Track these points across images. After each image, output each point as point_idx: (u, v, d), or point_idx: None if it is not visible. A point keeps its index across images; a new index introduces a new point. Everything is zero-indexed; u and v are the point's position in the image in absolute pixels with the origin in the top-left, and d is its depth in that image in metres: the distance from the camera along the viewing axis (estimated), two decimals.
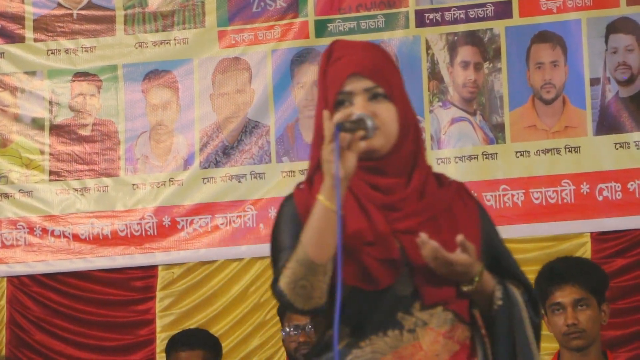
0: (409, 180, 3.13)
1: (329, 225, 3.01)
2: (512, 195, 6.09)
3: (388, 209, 3.10)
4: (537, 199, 6.10)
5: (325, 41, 6.10)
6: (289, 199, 3.19)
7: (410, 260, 3.10)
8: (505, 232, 5.71)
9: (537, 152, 6.13)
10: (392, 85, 3.11)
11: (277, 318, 5.70)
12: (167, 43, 6.51)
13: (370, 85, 3.07)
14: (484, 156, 6.16)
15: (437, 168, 3.31)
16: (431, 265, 3.06)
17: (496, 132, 6.21)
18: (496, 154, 6.16)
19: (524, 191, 6.10)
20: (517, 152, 6.15)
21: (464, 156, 6.17)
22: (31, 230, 6.46)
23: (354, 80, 3.08)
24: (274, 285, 3.08)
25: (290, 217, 3.18)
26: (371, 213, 3.10)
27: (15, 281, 6.46)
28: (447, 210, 3.12)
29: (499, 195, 6.09)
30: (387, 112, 3.08)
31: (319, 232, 3.03)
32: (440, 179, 3.19)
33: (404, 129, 3.11)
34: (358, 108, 3.06)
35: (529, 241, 6.05)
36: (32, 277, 6.44)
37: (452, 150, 6.20)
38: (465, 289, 3.11)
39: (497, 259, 3.21)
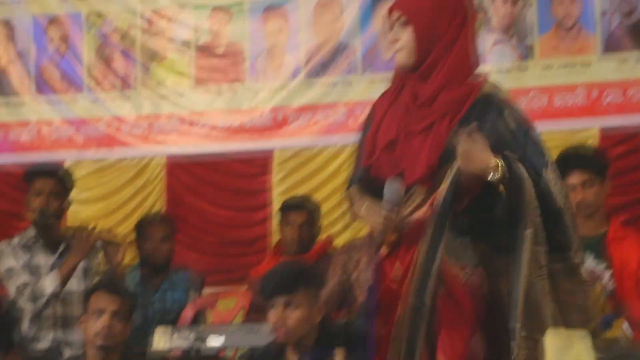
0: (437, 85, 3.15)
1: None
2: (539, 99, 6.12)
3: (413, 111, 3.17)
4: (557, 102, 6.12)
5: None
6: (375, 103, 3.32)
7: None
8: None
9: (558, 67, 6.13)
10: (414, 15, 3.16)
11: None
12: None
13: (397, 15, 3.20)
14: (518, 69, 6.18)
15: None
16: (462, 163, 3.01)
17: (528, 52, 6.18)
18: (527, 67, 6.18)
19: (548, 96, 6.12)
20: (543, 66, 6.16)
21: (503, 69, 6.14)
22: (181, 122, 6.61)
23: (393, 13, 3.22)
24: (347, 188, 3.30)
25: (365, 123, 3.34)
26: (398, 120, 3.19)
27: (172, 158, 6.61)
28: (445, 115, 3.12)
29: (529, 99, 6.10)
30: (406, 35, 3.16)
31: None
32: (471, 87, 3.14)
33: (422, 44, 3.15)
34: (391, 33, 3.19)
35: (551, 134, 5.66)
36: (184, 156, 6.59)
37: (494, 65, 6.13)
38: (490, 179, 3.02)
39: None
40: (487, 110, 3.12)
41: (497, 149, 3.05)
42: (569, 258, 3.12)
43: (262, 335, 4.64)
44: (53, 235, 5.28)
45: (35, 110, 6.83)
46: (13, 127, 6.86)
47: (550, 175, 3.11)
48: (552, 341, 2.87)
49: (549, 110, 6.13)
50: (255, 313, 5.43)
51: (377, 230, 3.10)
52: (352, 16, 6.45)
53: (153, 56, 6.73)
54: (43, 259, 5.26)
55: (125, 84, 6.72)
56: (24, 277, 5.14)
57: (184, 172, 6.63)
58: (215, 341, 4.77)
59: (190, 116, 6.63)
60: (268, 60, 6.60)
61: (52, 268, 5.19)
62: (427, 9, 3.17)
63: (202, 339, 4.77)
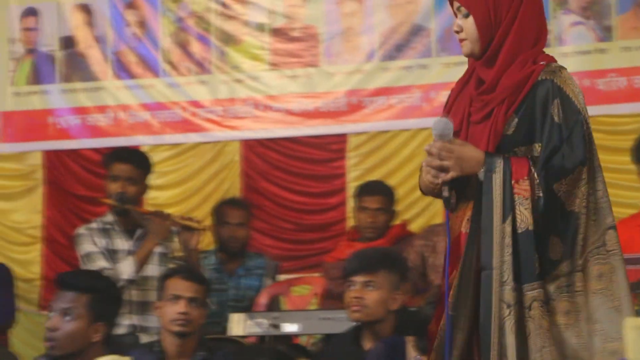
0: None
1: None
2: (618, 81, 5.99)
3: (475, 100, 3.10)
4: (636, 83, 5.98)
5: None
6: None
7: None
8: (612, 109, 6.04)
9: (637, 48, 5.98)
10: (473, 6, 3.08)
11: None
12: None
13: (458, 6, 3.12)
14: (597, 51, 6.06)
15: (560, 61, 3.26)
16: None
17: (606, 33, 6.05)
18: (606, 49, 6.05)
19: (626, 78, 5.99)
20: (622, 47, 6.02)
21: (581, 51, 6.05)
22: (257, 106, 6.59)
23: (454, 3, 3.14)
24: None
25: (444, 108, 3.25)
26: (464, 110, 3.14)
27: (246, 143, 6.61)
28: (503, 102, 3.05)
29: (608, 81, 5.99)
30: (468, 25, 3.08)
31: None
32: (529, 72, 3.04)
33: (484, 33, 3.06)
34: (454, 22, 3.14)
35: (630, 116, 5.94)
36: (258, 141, 6.59)
37: (572, 46, 6.07)
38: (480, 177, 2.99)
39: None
40: (540, 97, 3.02)
41: (533, 138, 3.02)
42: (564, 271, 2.99)
43: (336, 322, 4.63)
44: (130, 220, 5.32)
45: (113, 95, 6.89)
46: (91, 111, 6.92)
47: (583, 175, 2.99)
48: (632, 331, 2.79)
49: (628, 92, 5.99)
50: (329, 299, 5.44)
51: (428, 172, 3.02)
52: None
53: (228, 40, 6.72)
54: (120, 244, 5.30)
55: (201, 68, 6.73)
56: (101, 262, 5.18)
57: (259, 157, 6.63)
58: (289, 328, 4.77)
59: (265, 100, 6.62)
60: (343, 43, 6.54)
61: (129, 253, 5.23)
62: (484, 5, 3.09)
63: (276, 325, 4.78)
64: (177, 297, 4.39)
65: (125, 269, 5.12)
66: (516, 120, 3.04)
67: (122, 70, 6.88)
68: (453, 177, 2.98)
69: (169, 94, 6.77)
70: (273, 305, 5.56)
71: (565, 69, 3.09)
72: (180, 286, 4.42)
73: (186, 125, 6.73)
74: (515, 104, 3.04)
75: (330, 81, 6.52)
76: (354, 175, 6.44)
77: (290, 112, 6.57)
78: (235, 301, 5.60)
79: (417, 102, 6.36)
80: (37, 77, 7.02)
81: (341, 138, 6.51)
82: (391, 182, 6.13)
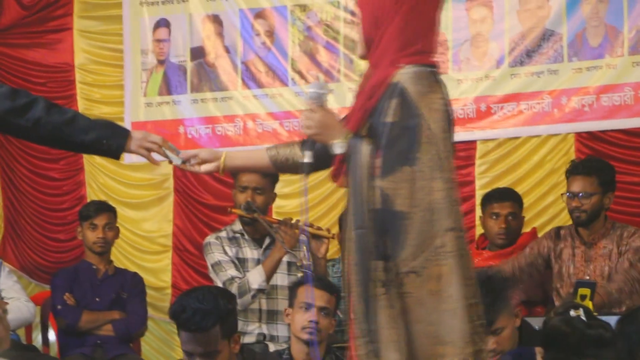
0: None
1: None
2: None
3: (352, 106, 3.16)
4: None
5: None
6: None
7: None
8: None
9: None
10: (361, 6, 3.14)
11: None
12: None
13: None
14: None
15: None
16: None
17: None
18: None
19: None
20: None
21: None
22: None
23: None
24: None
25: None
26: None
27: None
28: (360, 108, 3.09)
29: None
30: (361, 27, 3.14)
31: None
32: (383, 76, 3.05)
33: (366, 35, 3.10)
34: None
35: None
36: None
37: None
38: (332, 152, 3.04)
39: None
40: (384, 99, 3.00)
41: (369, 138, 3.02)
42: (393, 271, 2.92)
43: None
44: (258, 229, 5.40)
45: (242, 105, 6.96)
46: (220, 121, 7.00)
47: (411, 175, 2.93)
48: None
49: None
50: None
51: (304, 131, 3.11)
52: (559, 2, 6.24)
53: (356, 48, 6.75)
54: (249, 253, 5.38)
55: (328, 76, 6.74)
56: (232, 271, 5.26)
57: None
58: None
59: None
60: (471, 50, 6.46)
61: (257, 262, 5.30)
62: (367, 5, 3.12)
63: None
64: (308, 305, 4.43)
65: (256, 278, 5.19)
66: (369, 124, 3.03)
67: (250, 79, 6.95)
68: (310, 136, 3.06)
69: (297, 102, 6.80)
70: None
71: (431, 71, 3.05)
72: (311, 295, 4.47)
73: None
74: (368, 112, 3.03)
75: (458, 88, 6.41)
76: (482, 182, 6.37)
77: None
78: None
79: (547, 108, 6.27)
80: (168, 87, 7.14)
81: (469, 145, 6.42)
82: (519, 189, 6.06)
